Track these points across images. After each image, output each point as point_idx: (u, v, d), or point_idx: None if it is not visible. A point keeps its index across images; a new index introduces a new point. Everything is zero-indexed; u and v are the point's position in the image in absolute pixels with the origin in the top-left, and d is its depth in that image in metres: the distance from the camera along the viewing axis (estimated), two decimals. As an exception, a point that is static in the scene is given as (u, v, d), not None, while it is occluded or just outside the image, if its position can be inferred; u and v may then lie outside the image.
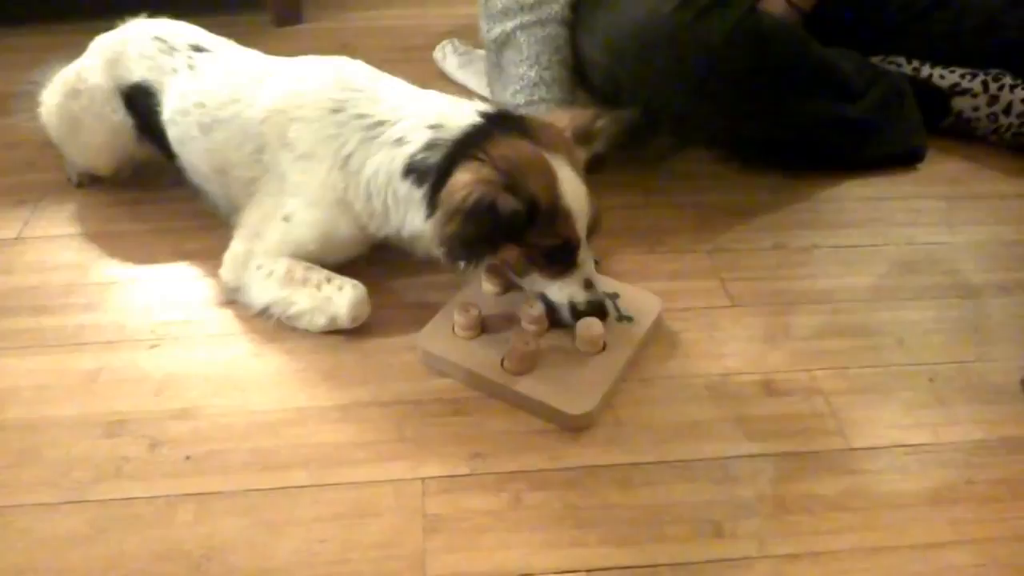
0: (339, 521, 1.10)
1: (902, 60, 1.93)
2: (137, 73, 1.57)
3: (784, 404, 1.27)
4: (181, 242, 1.58)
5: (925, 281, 1.51)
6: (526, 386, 1.25)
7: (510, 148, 1.23)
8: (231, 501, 1.13)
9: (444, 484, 1.15)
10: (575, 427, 1.22)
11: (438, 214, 1.22)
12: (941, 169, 1.82)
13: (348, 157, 1.36)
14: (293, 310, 1.37)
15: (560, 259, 1.28)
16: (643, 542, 1.08)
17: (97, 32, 1.67)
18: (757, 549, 1.07)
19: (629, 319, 1.35)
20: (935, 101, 1.88)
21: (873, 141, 1.79)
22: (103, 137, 1.62)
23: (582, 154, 1.33)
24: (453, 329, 1.33)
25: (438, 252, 1.27)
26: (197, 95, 1.49)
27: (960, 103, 1.87)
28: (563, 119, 1.35)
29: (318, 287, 1.37)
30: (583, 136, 1.35)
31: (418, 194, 1.31)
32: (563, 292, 1.30)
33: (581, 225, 1.26)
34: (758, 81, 1.58)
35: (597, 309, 1.31)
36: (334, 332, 1.37)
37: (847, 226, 1.64)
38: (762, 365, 1.33)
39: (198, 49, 1.55)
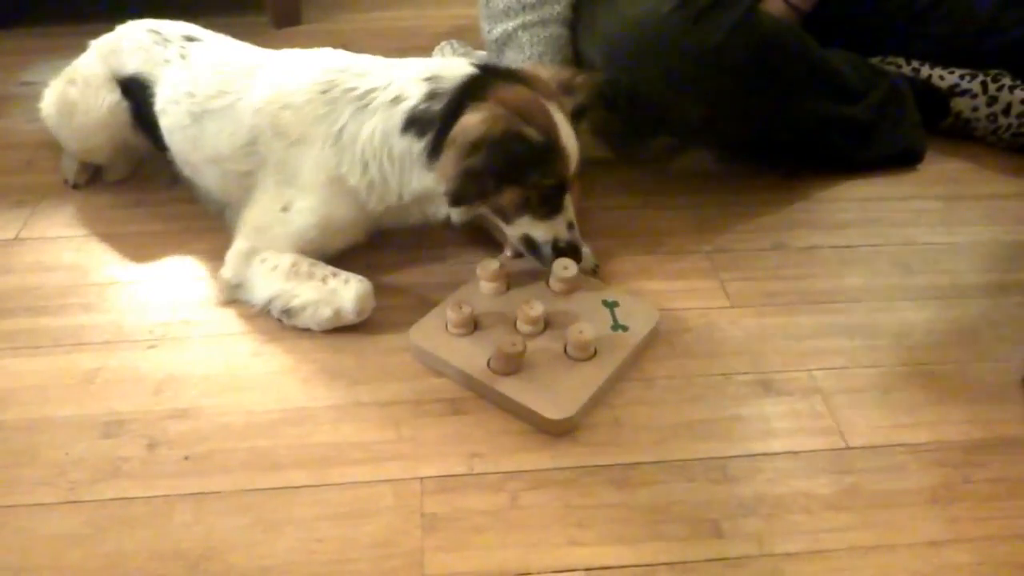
0: (337, 521, 1.10)
1: (901, 61, 1.93)
2: (132, 65, 1.59)
3: (783, 404, 1.27)
4: (180, 244, 1.58)
5: (924, 281, 1.51)
6: (508, 387, 1.25)
7: (513, 92, 1.31)
8: (229, 501, 1.13)
9: (442, 484, 1.15)
10: (555, 432, 1.22)
11: (452, 151, 1.28)
12: (940, 170, 1.83)
13: (340, 132, 1.38)
14: (296, 302, 1.37)
15: (552, 199, 1.36)
16: (642, 541, 1.08)
17: (94, 34, 1.69)
18: (756, 548, 1.07)
19: (624, 328, 1.35)
20: (934, 102, 1.88)
21: (872, 142, 1.79)
22: (98, 116, 1.62)
23: (569, 104, 1.39)
24: (446, 326, 1.34)
25: (443, 193, 1.31)
26: (188, 84, 1.51)
27: (959, 104, 1.87)
28: (545, 72, 1.42)
29: (324, 280, 1.37)
30: (565, 88, 1.42)
31: (419, 146, 1.34)
32: (546, 232, 1.38)
33: (572, 168, 1.35)
34: (757, 82, 1.58)
35: (574, 247, 1.39)
36: (333, 332, 1.38)
37: (846, 226, 1.65)
38: (761, 365, 1.34)
39: (191, 39, 1.57)
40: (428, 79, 1.35)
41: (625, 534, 1.09)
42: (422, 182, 1.37)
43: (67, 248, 1.58)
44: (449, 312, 1.33)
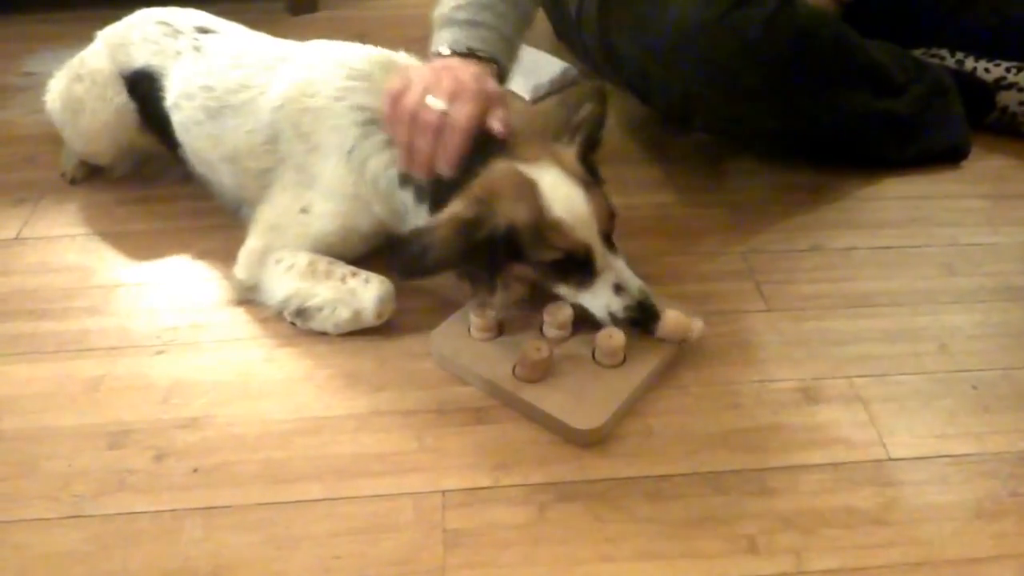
0: (355, 536, 1.11)
1: (945, 53, 1.93)
2: (140, 59, 1.59)
3: (822, 412, 1.27)
4: (189, 243, 1.59)
5: (968, 284, 1.51)
6: (534, 395, 1.25)
7: (487, 176, 1.25)
8: (241, 516, 1.14)
9: (465, 497, 1.15)
10: (583, 442, 1.22)
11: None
12: (985, 167, 1.82)
13: (350, 152, 1.38)
14: (313, 302, 1.37)
15: (573, 270, 1.28)
16: (674, 557, 1.08)
17: (100, 19, 1.70)
18: (794, 565, 1.07)
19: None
20: (980, 95, 1.88)
21: (915, 138, 1.79)
22: (104, 119, 1.63)
23: (572, 153, 1.32)
24: (469, 330, 1.34)
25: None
26: (204, 78, 1.51)
27: (1005, 98, 1.87)
28: (537, 119, 1.38)
29: (343, 280, 1.38)
30: (572, 130, 1.34)
31: (422, 210, 1.34)
32: (597, 303, 1.30)
33: (584, 231, 1.25)
34: (795, 75, 1.58)
35: (638, 313, 1.29)
36: (351, 336, 1.38)
37: (887, 226, 1.64)
38: (799, 371, 1.34)
39: (204, 31, 1.57)
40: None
41: (657, 549, 1.09)
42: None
43: (70, 248, 1.59)
44: (472, 316, 1.33)
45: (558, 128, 1.35)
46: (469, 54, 1.34)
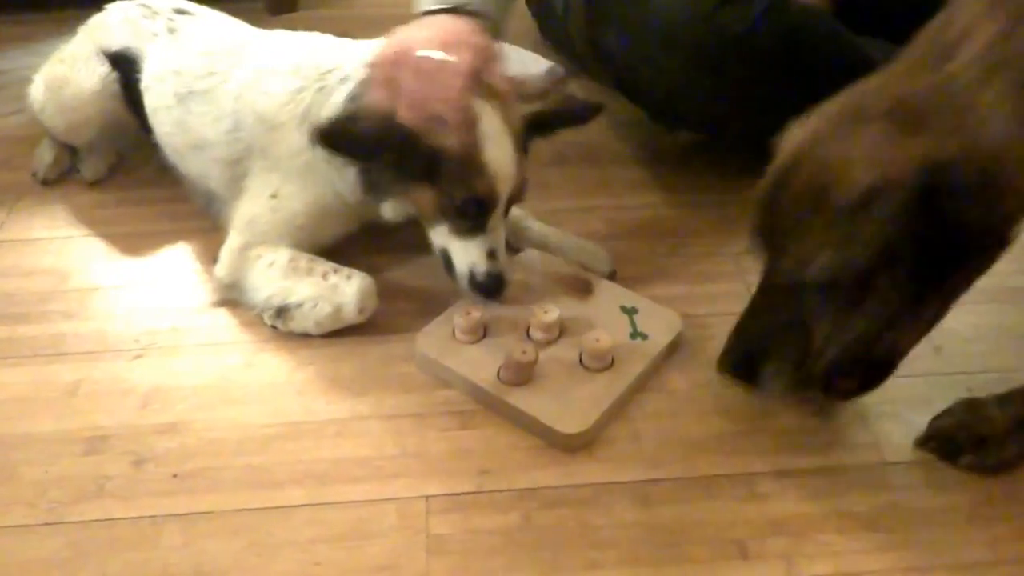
0: (337, 542, 1.11)
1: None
2: (119, 40, 1.62)
3: (815, 416, 1.28)
4: (167, 246, 1.60)
5: (965, 285, 1.51)
6: (519, 399, 1.26)
7: None
8: (221, 522, 1.14)
9: (449, 502, 1.16)
10: (568, 447, 1.22)
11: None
12: (983, 165, 1.83)
13: (306, 112, 1.39)
14: (294, 299, 1.38)
15: (470, 215, 1.31)
16: (662, 564, 1.09)
17: (73, 20, 1.72)
18: (784, 570, 1.08)
19: (644, 336, 1.36)
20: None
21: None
22: (89, 88, 1.64)
23: (520, 113, 1.35)
24: (453, 333, 1.35)
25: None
26: (175, 61, 1.53)
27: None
28: (510, 79, 1.37)
29: (324, 276, 1.39)
30: (527, 98, 1.39)
31: None
32: (465, 258, 1.34)
33: (501, 185, 1.30)
34: (785, 72, 1.58)
35: (495, 283, 1.35)
36: (332, 340, 1.39)
37: (881, 226, 1.65)
38: (790, 375, 1.34)
39: (181, 12, 1.60)
40: (369, 64, 1.35)
41: (645, 555, 1.10)
42: None
43: (47, 251, 1.59)
44: (457, 318, 1.34)
45: (522, 87, 1.37)
46: (456, 9, 1.35)
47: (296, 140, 1.39)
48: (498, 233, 1.35)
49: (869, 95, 1.07)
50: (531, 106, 1.36)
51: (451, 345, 1.34)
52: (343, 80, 1.37)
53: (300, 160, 1.40)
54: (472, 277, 1.34)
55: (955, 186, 0.94)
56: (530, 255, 1.51)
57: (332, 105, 1.36)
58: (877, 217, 0.97)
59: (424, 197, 1.32)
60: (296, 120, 1.39)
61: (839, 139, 1.04)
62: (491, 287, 1.35)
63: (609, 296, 1.43)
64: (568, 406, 1.25)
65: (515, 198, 1.35)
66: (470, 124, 1.26)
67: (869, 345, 1.08)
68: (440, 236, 1.36)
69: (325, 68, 1.40)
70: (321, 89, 1.38)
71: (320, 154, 1.36)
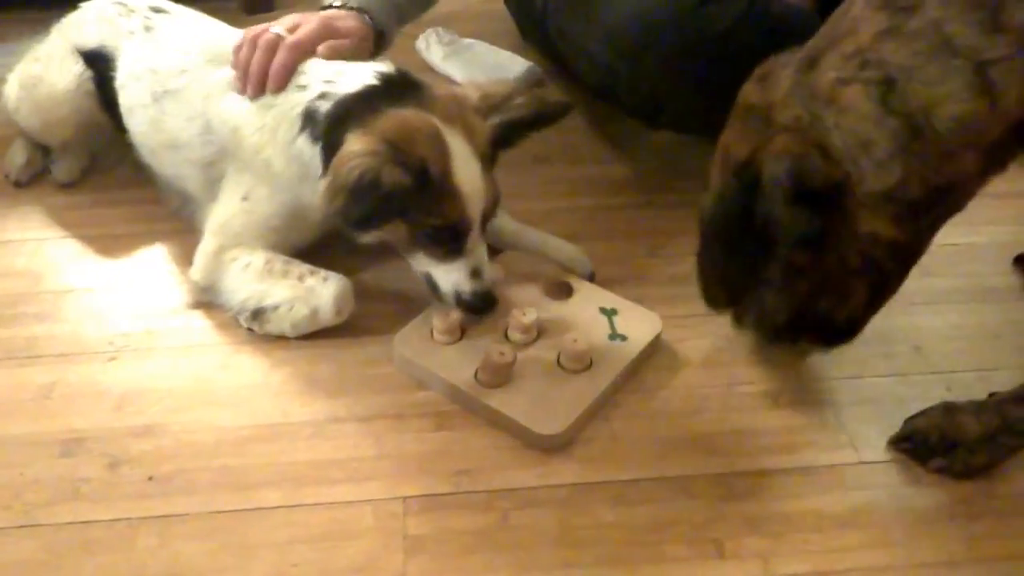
0: (314, 544, 1.12)
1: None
2: (94, 38, 1.62)
3: (792, 416, 1.30)
4: (142, 247, 1.60)
5: (944, 284, 1.53)
6: (497, 400, 1.26)
7: (400, 120, 1.26)
8: (197, 524, 1.14)
9: (426, 503, 1.17)
10: (546, 447, 1.23)
11: (326, 186, 1.23)
12: (962, 165, 1.84)
13: (267, 115, 1.39)
14: (270, 301, 1.38)
15: (446, 242, 1.31)
16: (640, 563, 1.10)
17: (40, 23, 1.72)
18: (761, 569, 1.09)
19: (623, 338, 1.37)
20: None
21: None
22: (64, 86, 1.64)
23: (486, 129, 1.34)
24: (431, 334, 1.35)
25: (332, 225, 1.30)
26: (151, 60, 1.53)
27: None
28: (473, 91, 1.38)
29: (300, 278, 1.39)
30: (493, 108, 1.36)
31: (313, 152, 1.34)
32: (448, 279, 1.34)
33: (473, 208, 1.29)
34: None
35: (482, 301, 1.34)
36: (308, 341, 1.39)
37: (860, 226, 1.66)
38: (768, 375, 1.36)
39: (157, 10, 1.60)
40: (327, 80, 1.35)
41: (623, 555, 1.11)
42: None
43: (19, 253, 1.59)
44: (435, 319, 1.34)
45: (487, 99, 1.37)
46: (352, 9, 1.46)
47: (257, 141, 1.39)
48: (479, 251, 1.34)
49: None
50: (498, 115, 1.35)
51: (429, 346, 1.34)
52: (301, 88, 1.37)
53: (260, 159, 1.40)
54: (459, 297, 1.34)
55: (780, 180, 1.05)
56: (510, 257, 1.52)
57: (291, 110, 1.36)
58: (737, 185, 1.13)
59: (398, 231, 1.31)
60: (257, 121, 1.39)
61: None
62: (480, 306, 1.34)
63: (589, 298, 1.44)
64: (546, 407, 1.25)
65: (489, 215, 1.34)
66: (442, 151, 1.26)
67: (810, 309, 1.17)
68: (420, 263, 1.36)
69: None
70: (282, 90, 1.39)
71: (281, 161, 1.38)
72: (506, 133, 1.37)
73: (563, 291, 1.45)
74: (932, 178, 1.03)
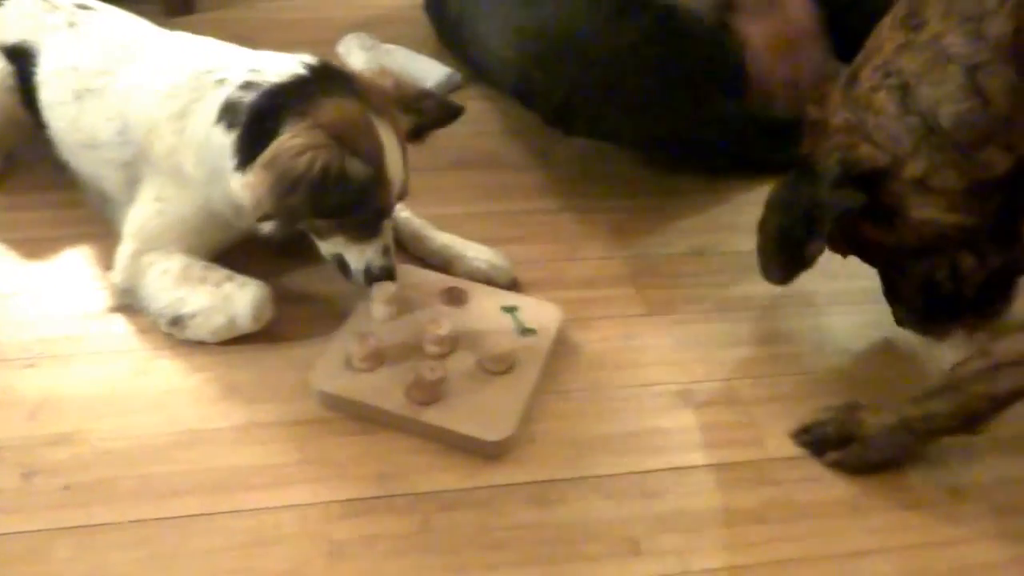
0: (237, 551, 1.12)
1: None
2: (16, 33, 1.60)
3: (703, 415, 1.33)
4: (62, 251, 1.58)
5: (846, 286, 1.58)
6: (436, 416, 1.26)
7: (338, 110, 1.27)
8: (117, 533, 1.13)
9: (350, 508, 1.17)
10: (495, 453, 1.24)
11: (267, 176, 1.21)
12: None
13: (181, 112, 1.38)
14: (188, 309, 1.37)
15: (370, 226, 1.36)
16: (559, 562, 1.12)
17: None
18: (676, 565, 1.12)
19: (532, 331, 1.39)
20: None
21: (792, 142, 1.86)
22: None
23: (403, 121, 1.39)
24: (350, 362, 1.33)
25: (257, 218, 1.28)
26: (73, 57, 1.52)
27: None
28: (388, 81, 1.41)
29: (217, 285, 1.39)
30: (405, 107, 1.41)
31: (227, 142, 1.32)
32: (362, 258, 1.38)
33: (395, 195, 1.35)
34: (678, 79, 1.63)
35: (389, 274, 1.39)
36: (229, 346, 1.39)
37: (768, 230, 1.71)
38: (680, 375, 1.39)
39: (83, 7, 1.59)
40: (252, 69, 1.34)
41: (543, 554, 1.13)
42: (234, 186, 1.32)
43: (-70, 260, 1.56)
44: (354, 346, 1.32)
45: (400, 90, 1.41)
46: None
47: (169, 142, 1.39)
48: (389, 231, 1.39)
49: None
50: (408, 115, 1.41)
51: (351, 376, 1.32)
52: (220, 83, 1.36)
53: (170, 162, 1.39)
54: (368, 271, 1.37)
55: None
56: (405, 270, 1.51)
57: (206, 107, 1.36)
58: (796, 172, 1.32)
59: (324, 223, 1.34)
60: (172, 120, 1.38)
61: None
62: (386, 277, 1.38)
63: (487, 300, 1.46)
64: (487, 414, 1.26)
65: (401, 197, 1.38)
66: (375, 143, 1.29)
67: (935, 288, 1.32)
68: (335, 246, 1.38)
69: (203, 69, 1.39)
70: (196, 89, 1.38)
71: (192, 162, 1.37)
72: (415, 131, 1.43)
73: (459, 297, 1.46)
74: (970, 170, 1.15)
